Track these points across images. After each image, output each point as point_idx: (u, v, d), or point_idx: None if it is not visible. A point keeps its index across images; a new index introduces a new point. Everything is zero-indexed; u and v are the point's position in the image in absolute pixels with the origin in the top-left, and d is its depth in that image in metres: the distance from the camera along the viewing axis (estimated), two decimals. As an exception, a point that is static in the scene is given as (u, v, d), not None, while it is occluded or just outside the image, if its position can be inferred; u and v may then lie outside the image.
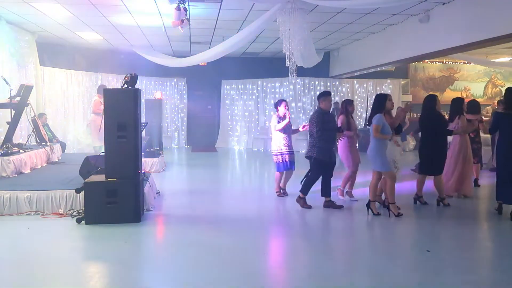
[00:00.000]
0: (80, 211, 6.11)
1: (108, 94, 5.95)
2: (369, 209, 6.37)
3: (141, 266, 4.54)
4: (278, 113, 7.53)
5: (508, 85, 16.54)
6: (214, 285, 3.97)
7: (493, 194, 6.71)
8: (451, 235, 5.83)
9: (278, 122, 7.46)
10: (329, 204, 6.78)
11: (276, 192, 7.69)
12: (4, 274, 4.24)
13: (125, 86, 6.03)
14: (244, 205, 7.21)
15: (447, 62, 16.18)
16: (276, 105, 7.62)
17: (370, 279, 4.21)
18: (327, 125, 6.68)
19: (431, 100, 7.02)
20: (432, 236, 5.67)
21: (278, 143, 7.45)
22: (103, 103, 6.03)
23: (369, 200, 6.42)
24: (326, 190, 6.81)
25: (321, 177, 6.82)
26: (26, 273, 4.25)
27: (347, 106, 7.49)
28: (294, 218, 6.59)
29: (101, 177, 6.01)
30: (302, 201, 6.83)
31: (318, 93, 15.02)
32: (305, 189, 6.82)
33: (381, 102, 6.46)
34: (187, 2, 7.55)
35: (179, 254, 4.83)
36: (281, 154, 7.43)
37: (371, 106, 6.82)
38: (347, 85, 15.54)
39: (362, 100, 15.58)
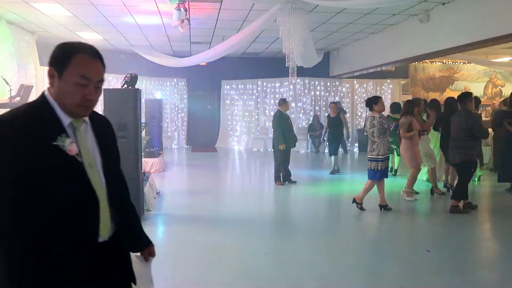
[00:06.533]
0: (80, 211, 6.08)
1: (108, 94, 5.95)
2: None
3: (141, 266, 4.54)
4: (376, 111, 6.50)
5: (508, 85, 16.63)
6: (214, 285, 3.97)
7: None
8: None
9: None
10: (455, 210, 6.38)
11: (360, 204, 6.58)
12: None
13: (125, 86, 6.03)
14: (244, 205, 7.20)
15: (447, 62, 16.17)
16: (372, 102, 6.52)
17: None
18: None
19: None
20: None
21: (384, 146, 6.43)
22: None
23: None
24: (462, 194, 6.45)
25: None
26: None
27: (413, 106, 7.29)
28: (294, 218, 6.59)
29: (101, 177, 5.99)
30: (461, 206, 6.37)
31: (319, 92, 15.30)
32: (460, 195, 6.42)
33: None
34: (187, 2, 7.55)
35: (179, 254, 4.83)
36: (385, 160, 6.46)
37: None
38: (347, 85, 15.54)
39: (362, 100, 15.56)
